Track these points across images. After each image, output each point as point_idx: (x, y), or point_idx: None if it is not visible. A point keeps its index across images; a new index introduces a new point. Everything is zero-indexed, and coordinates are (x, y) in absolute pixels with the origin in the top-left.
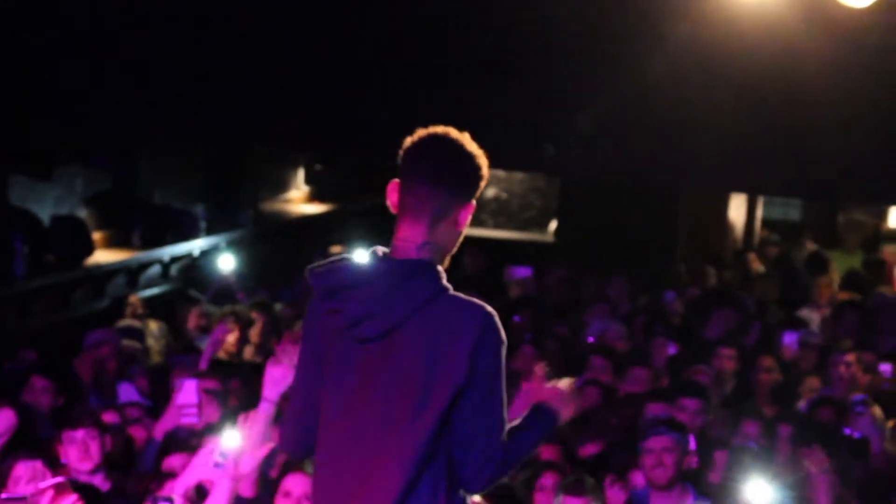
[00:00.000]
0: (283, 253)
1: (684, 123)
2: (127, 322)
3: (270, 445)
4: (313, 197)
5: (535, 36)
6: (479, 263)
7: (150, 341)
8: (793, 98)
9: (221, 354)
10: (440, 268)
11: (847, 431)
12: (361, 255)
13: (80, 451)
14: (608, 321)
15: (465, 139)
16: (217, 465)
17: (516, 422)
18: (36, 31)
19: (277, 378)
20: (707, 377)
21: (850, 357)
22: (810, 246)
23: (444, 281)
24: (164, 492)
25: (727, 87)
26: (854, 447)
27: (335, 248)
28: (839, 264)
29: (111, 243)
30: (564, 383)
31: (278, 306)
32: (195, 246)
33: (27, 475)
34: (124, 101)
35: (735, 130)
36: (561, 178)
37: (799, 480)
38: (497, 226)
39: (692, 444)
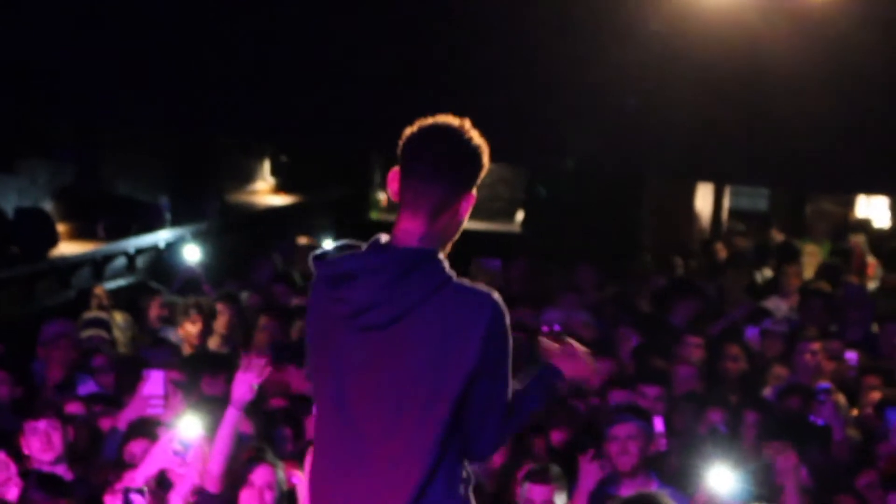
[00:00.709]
0: (250, 244)
1: (649, 114)
2: (93, 314)
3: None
4: (279, 188)
5: (501, 26)
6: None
7: (117, 333)
8: (757, 88)
9: (186, 348)
10: (442, 256)
11: (811, 419)
12: (364, 245)
13: (43, 442)
14: (574, 310)
15: (466, 128)
16: (177, 453)
17: (519, 384)
18: None
19: (245, 386)
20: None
21: (816, 345)
22: (778, 236)
23: (448, 269)
24: (124, 481)
25: (691, 77)
26: (817, 435)
27: (301, 239)
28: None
29: (76, 235)
30: (575, 344)
31: (245, 295)
32: (160, 237)
33: None
34: (85, 94)
35: (700, 120)
36: (527, 169)
37: (762, 467)
38: None
39: (660, 428)
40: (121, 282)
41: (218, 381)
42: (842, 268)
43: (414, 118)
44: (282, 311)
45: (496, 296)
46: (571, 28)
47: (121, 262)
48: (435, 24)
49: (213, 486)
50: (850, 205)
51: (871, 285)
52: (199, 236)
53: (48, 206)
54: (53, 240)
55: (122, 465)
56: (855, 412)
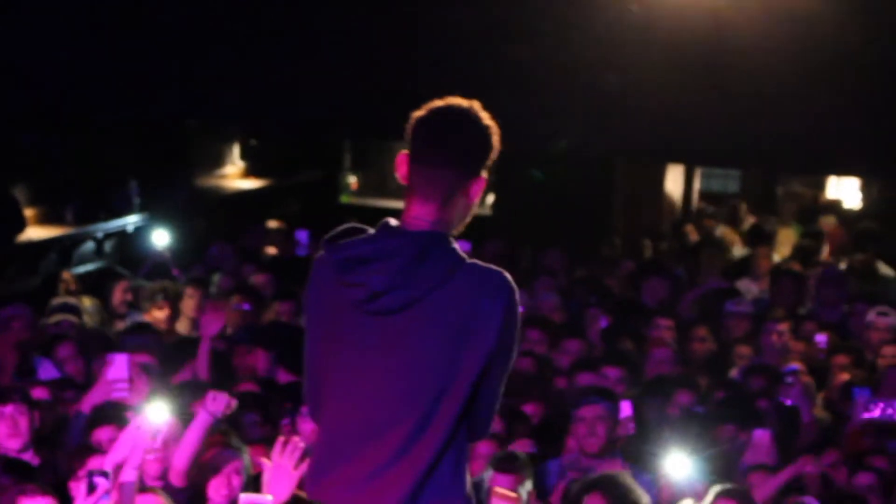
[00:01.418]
0: (219, 228)
1: (618, 95)
2: (62, 299)
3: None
4: (249, 172)
5: (472, 5)
6: None
7: (86, 318)
8: (726, 69)
9: None
10: (453, 239)
11: (779, 399)
12: (373, 229)
13: (10, 427)
14: (544, 293)
15: (474, 110)
16: (145, 438)
17: None
18: None
19: (220, 401)
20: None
21: (783, 326)
22: (749, 217)
23: (461, 251)
24: (89, 466)
25: (661, 58)
26: (785, 414)
27: (272, 223)
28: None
29: (43, 220)
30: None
31: (216, 277)
32: (129, 222)
33: None
34: (49, 79)
35: (669, 101)
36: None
37: (722, 452)
38: None
39: (629, 411)
40: (89, 266)
41: (188, 367)
42: (814, 249)
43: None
44: (253, 293)
45: (509, 276)
46: (543, 10)
47: (89, 246)
48: (411, 4)
49: (178, 481)
50: (820, 187)
51: (841, 266)
52: (167, 220)
53: (15, 190)
54: (21, 225)
55: (88, 451)
56: (823, 394)
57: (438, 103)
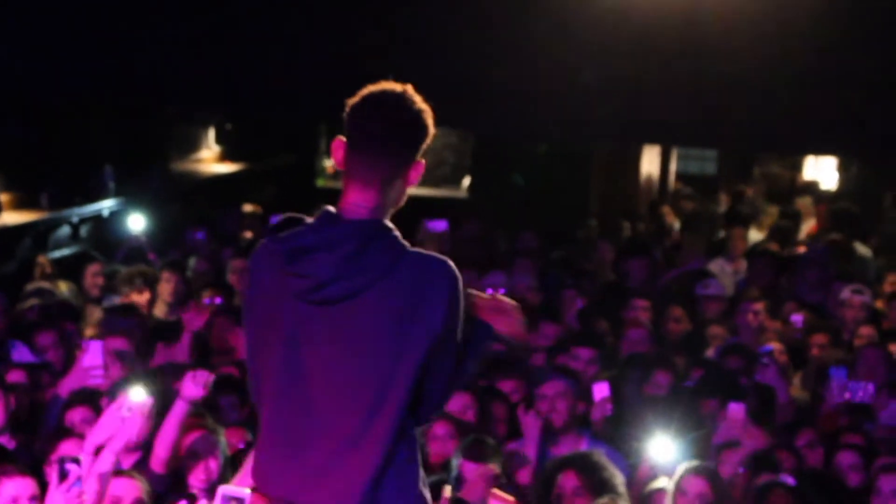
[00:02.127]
0: (195, 213)
1: (592, 78)
2: (38, 284)
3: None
4: (225, 156)
5: None
6: None
7: None
8: (699, 49)
9: None
10: (393, 227)
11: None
12: (310, 219)
13: None
14: (520, 274)
15: (408, 94)
16: (124, 418)
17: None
18: None
19: (199, 385)
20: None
21: (758, 305)
22: (726, 200)
23: (402, 239)
24: (64, 448)
25: (632, 39)
26: (761, 395)
27: (248, 207)
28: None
29: (18, 205)
30: (505, 299)
31: (192, 261)
32: (104, 207)
33: None
34: (26, 62)
35: (641, 82)
36: (474, 135)
37: (705, 435)
38: None
39: (606, 392)
40: (65, 251)
41: (167, 350)
42: (792, 229)
43: (366, 85)
44: (224, 287)
45: (451, 264)
46: None
47: (64, 231)
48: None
49: (158, 468)
50: (797, 168)
51: None
52: (143, 205)
53: None
54: None
55: (62, 433)
56: (799, 374)
57: (373, 89)
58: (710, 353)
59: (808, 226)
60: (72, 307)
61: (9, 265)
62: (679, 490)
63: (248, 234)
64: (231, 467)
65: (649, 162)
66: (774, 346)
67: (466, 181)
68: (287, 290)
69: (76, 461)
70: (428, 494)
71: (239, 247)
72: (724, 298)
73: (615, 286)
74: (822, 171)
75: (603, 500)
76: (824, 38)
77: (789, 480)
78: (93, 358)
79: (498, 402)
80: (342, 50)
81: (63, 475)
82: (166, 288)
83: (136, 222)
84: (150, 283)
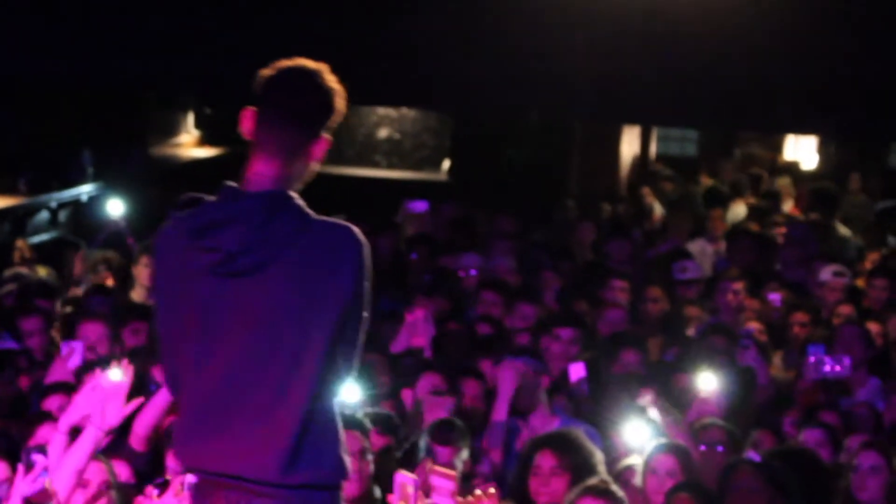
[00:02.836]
0: (174, 197)
1: (566, 58)
2: (16, 269)
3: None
4: (204, 140)
5: None
6: None
7: None
8: (676, 29)
9: None
10: (298, 196)
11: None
12: (216, 194)
13: None
14: (499, 256)
15: (321, 72)
16: (101, 399)
17: None
18: None
19: None
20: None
21: (738, 285)
22: (706, 181)
23: (306, 207)
24: (41, 433)
25: (609, 20)
26: (741, 376)
27: None
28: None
29: None
30: None
31: None
32: (83, 191)
33: None
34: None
35: (619, 62)
36: (453, 117)
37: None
38: (390, 166)
39: (582, 372)
40: (43, 236)
41: (141, 332)
42: (770, 209)
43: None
44: None
45: (357, 230)
46: None
47: (43, 216)
48: None
49: (139, 446)
50: (778, 149)
51: None
52: (122, 190)
53: None
54: None
55: (40, 418)
56: (780, 354)
57: (286, 63)
58: (690, 332)
59: (787, 206)
60: (50, 287)
61: None
62: (649, 468)
63: None
64: None
65: (629, 143)
66: (754, 325)
67: (446, 164)
68: (195, 265)
69: (42, 451)
70: (348, 459)
71: None
72: (700, 281)
73: (594, 266)
74: (801, 151)
75: (592, 481)
76: (807, 16)
77: (754, 457)
78: (74, 360)
79: (476, 380)
80: (320, 31)
81: (29, 466)
82: (144, 273)
83: (115, 207)
84: (115, 270)
